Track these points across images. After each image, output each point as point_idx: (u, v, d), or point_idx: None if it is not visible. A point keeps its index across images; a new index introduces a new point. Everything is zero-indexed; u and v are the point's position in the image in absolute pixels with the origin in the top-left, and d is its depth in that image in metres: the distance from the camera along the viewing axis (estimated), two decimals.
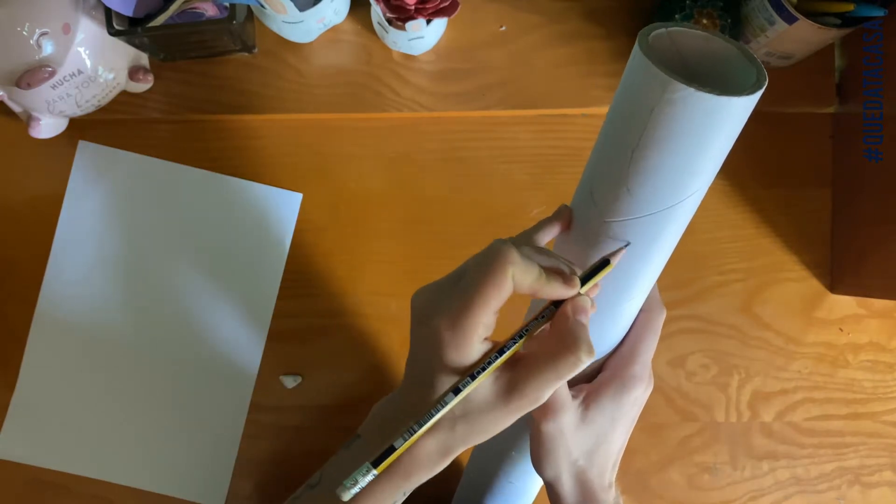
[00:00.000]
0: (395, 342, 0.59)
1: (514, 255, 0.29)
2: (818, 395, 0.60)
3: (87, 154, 0.60)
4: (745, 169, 0.60)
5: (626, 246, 0.30)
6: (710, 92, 0.25)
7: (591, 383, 0.37)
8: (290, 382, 0.59)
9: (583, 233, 0.32)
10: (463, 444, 0.30)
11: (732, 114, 0.26)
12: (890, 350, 0.60)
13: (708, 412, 0.59)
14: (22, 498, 0.58)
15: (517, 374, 0.29)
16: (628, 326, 0.37)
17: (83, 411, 0.59)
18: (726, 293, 0.60)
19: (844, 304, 0.60)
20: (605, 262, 0.31)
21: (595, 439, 0.36)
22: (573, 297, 0.30)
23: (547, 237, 0.34)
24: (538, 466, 0.36)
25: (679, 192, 0.28)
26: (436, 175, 0.60)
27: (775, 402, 0.60)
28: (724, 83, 0.27)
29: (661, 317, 0.37)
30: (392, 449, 0.29)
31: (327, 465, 0.35)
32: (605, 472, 0.37)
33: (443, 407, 0.29)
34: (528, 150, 0.61)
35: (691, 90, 0.25)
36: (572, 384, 0.36)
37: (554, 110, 0.60)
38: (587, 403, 0.36)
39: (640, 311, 0.37)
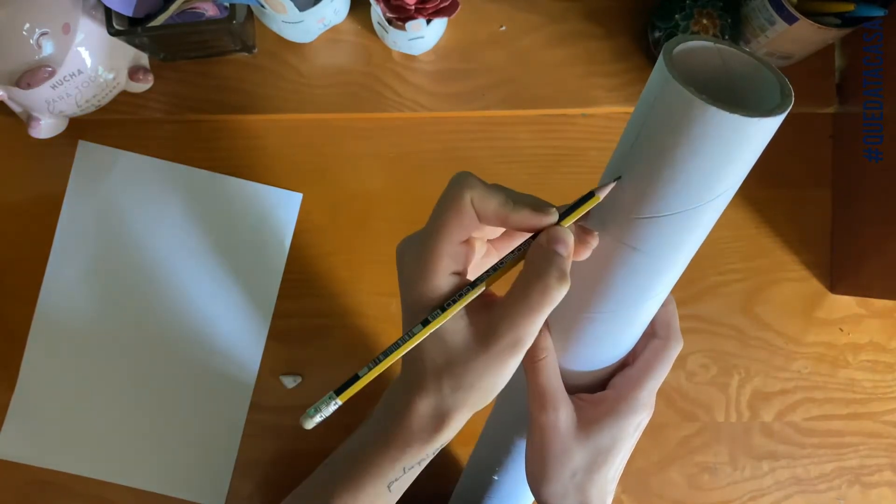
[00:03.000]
0: None
1: (471, 180, 0.28)
2: (818, 395, 0.60)
3: (87, 154, 0.60)
4: None
5: (617, 180, 0.29)
6: (713, 104, 0.25)
7: (592, 395, 0.36)
8: (290, 382, 0.59)
9: (607, 228, 0.32)
10: (455, 406, 0.28)
11: (725, 130, 0.25)
12: (890, 350, 0.60)
13: (708, 412, 0.59)
14: (22, 498, 0.58)
15: (492, 315, 0.28)
16: (639, 334, 0.36)
17: (83, 411, 0.59)
18: (726, 293, 0.60)
19: (844, 304, 0.60)
20: (589, 195, 0.29)
21: (595, 456, 0.34)
22: (549, 229, 0.28)
23: None
24: (534, 480, 0.35)
25: (676, 201, 0.28)
26: (436, 175, 0.60)
27: (775, 402, 0.60)
28: (753, 105, 0.27)
29: (677, 348, 0.35)
30: (356, 378, 0.28)
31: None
32: (606, 495, 0.35)
33: (409, 338, 0.28)
34: (528, 150, 0.61)
35: (679, 87, 0.25)
36: (571, 391, 0.35)
37: (554, 110, 0.60)
38: (587, 416, 0.34)
39: (657, 337, 0.35)
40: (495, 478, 0.44)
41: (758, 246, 0.60)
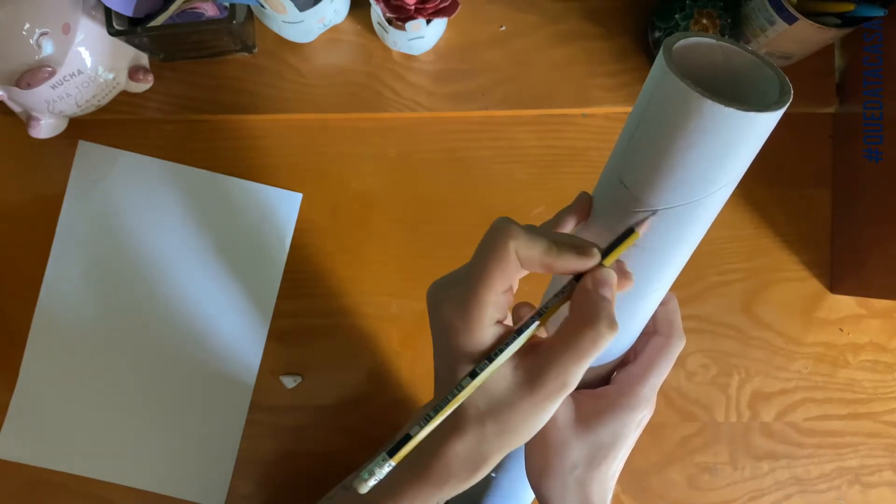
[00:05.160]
0: (395, 342, 0.59)
1: (514, 229, 0.28)
2: (818, 395, 0.60)
3: (87, 154, 0.60)
4: None
5: (652, 214, 0.28)
6: (711, 98, 0.25)
7: (593, 389, 0.36)
8: (290, 382, 0.59)
9: (603, 222, 0.32)
10: (498, 448, 0.29)
11: (724, 124, 0.25)
12: (890, 350, 0.60)
13: (708, 412, 0.59)
14: (22, 498, 0.58)
15: (538, 359, 0.28)
16: (640, 330, 0.36)
17: (83, 411, 0.59)
18: (726, 293, 0.60)
19: (844, 304, 0.60)
20: (629, 231, 0.29)
21: (595, 450, 0.34)
22: (594, 270, 0.28)
23: (568, 227, 0.33)
24: (534, 475, 0.35)
25: (674, 195, 0.28)
26: (436, 175, 0.60)
27: (775, 402, 0.60)
28: (754, 102, 0.27)
29: (680, 345, 0.35)
30: (408, 437, 0.27)
31: (362, 466, 0.34)
32: (606, 491, 0.35)
33: (459, 391, 0.28)
34: (528, 150, 0.61)
35: (677, 80, 0.25)
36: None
37: (554, 110, 0.60)
38: (588, 411, 0.34)
39: (659, 334, 0.36)
40: (493, 475, 0.44)
41: (758, 246, 0.60)
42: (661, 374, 0.35)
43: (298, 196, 0.60)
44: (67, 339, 0.59)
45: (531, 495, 0.44)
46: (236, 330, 0.59)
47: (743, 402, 0.60)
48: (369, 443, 0.59)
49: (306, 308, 0.59)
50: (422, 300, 0.59)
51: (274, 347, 0.59)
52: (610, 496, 0.35)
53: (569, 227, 0.33)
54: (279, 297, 0.59)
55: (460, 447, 0.28)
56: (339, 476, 0.58)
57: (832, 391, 0.60)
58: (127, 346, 0.59)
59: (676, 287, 0.34)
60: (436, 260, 0.59)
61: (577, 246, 0.28)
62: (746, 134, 0.26)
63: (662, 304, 0.35)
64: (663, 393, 0.59)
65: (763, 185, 0.61)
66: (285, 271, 0.59)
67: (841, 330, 0.60)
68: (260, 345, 0.59)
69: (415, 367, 0.59)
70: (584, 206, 0.32)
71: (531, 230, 0.28)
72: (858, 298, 0.60)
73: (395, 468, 0.28)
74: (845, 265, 0.59)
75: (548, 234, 0.29)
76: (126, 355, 0.59)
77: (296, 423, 0.59)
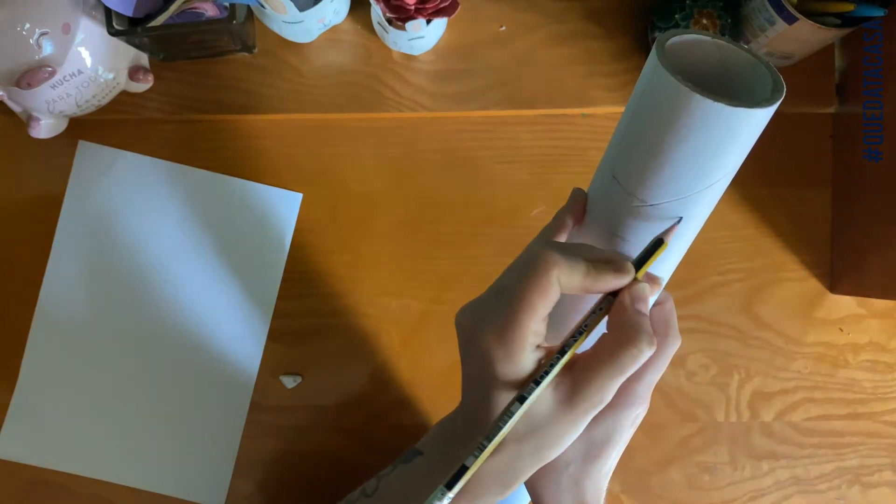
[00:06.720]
0: (395, 342, 0.59)
1: (555, 257, 0.28)
2: (818, 395, 0.60)
3: (87, 154, 0.60)
4: (744, 169, 0.60)
5: (678, 221, 0.29)
6: (703, 95, 0.25)
7: None
8: (290, 382, 0.59)
9: (599, 218, 0.32)
10: (533, 464, 0.29)
11: (713, 120, 0.25)
12: (890, 350, 0.60)
13: (708, 412, 0.59)
14: (22, 498, 0.58)
15: (577, 376, 0.28)
16: None
17: (83, 411, 0.58)
18: (726, 293, 0.60)
19: (844, 304, 0.60)
20: (658, 242, 0.29)
21: (589, 447, 0.34)
22: (629, 285, 0.29)
23: (568, 226, 0.33)
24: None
25: (664, 191, 0.28)
26: (436, 175, 0.60)
27: (775, 402, 0.60)
28: (744, 100, 0.27)
29: (675, 345, 0.35)
30: (464, 468, 0.28)
31: (385, 474, 0.34)
32: (600, 490, 0.35)
33: (510, 417, 0.28)
34: (528, 150, 0.61)
35: (667, 76, 0.25)
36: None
37: (554, 110, 0.60)
38: None
39: (656, 334, 0.36)
40: None
41: (758, 246, 0.60)
42: (656, 372, 0.35)
43: (298, 196, 0.60)
44: (67, 339, 0.59)
45: (527, 496, 0.43)
46: (236, 330, 0.59)
47: (743, 402, 0.60)
48: (369, 443, 0.59)
49: (306, 308, 0.59)
50: (422, 300, 0.59)
51: (274, 347, 0.59)
52: (604, 494, 0.36)
53: (569, 226, 0.33)
54: (279, 297, 0.59)
55: (497, 464, 0.29)
56: (338, 476, 0.58)
57: (832, 391, 0.60)
58: (127, 346, 0.59)
59: (677, 287, 0.34)
60: (436, 260, 0.59)
61: (612, 263, 0.29)
62: (736, 130, 0.26)
63: (659, 303, 0.35)
64: (664, 393, 0.59)
65: (763, 185, 0.61)
66: (285, 271, 0.59)
67: (841, 330, 0.60)
68: (260, 345, 0.59)
69: (415, 367, 0.59)
70: (580, 204, 0.33)
71: (568, 254, 0.28)
72: (858, 298, 0.60)
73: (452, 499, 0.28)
74: (845, 265, 0.59)
75: (583, 253, 0.29)
76: (126, 355, 0.59)
77: (296, 423, 0.59)
